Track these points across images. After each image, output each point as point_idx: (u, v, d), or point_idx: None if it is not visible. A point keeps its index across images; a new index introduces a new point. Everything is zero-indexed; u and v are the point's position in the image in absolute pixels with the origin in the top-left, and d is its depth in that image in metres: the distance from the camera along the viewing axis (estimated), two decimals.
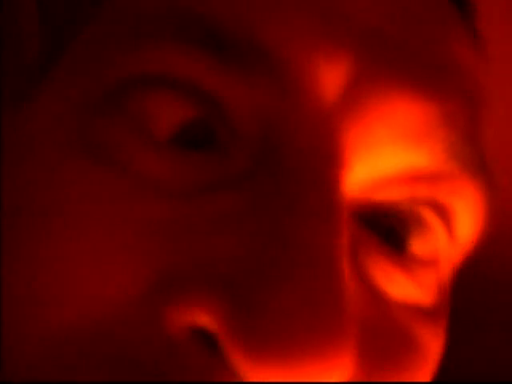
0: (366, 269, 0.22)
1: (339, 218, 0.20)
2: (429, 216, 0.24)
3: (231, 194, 0.20)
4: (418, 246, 0.24)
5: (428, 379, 0.24)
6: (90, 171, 0.20)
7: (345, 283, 0.19)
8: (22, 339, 0.19)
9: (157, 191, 0.20)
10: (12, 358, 0.19)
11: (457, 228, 0.24)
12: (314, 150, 0.21)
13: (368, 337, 0.21)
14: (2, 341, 0.19)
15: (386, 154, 0.22)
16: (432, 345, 0.24)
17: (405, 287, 0.23)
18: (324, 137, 0.21)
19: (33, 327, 0.19)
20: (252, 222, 0.20)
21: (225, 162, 0.21)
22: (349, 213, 0.22)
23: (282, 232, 0.19)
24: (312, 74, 0.21)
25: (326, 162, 0.20)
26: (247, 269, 0.19)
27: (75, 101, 0.21)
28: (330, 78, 0.21)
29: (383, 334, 0.22)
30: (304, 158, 0.20)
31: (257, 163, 0.21)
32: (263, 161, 0.21)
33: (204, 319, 0.18)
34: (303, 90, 0.21)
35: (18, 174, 0.21)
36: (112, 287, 0.19)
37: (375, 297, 0.22)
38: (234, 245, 0.19)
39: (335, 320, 0.18)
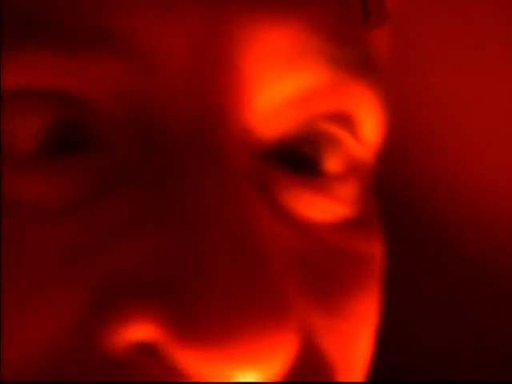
0: (285, 204, 0.22)
1: (237, 177, 0.19)
2: (333, 129, 0.23)
3: (122, 191, 0.19)
4: (331, 162, 0.23)
5: (379, 292, 0.24)
6: None
7: (266, 248, 0.18)
8: None
9: (45, 211, 0.18)
10: None
11: (362, 132, 0.24)
12: (189, 114, 0.19)
13: (309, 273, 0.21)
14: None
15: (270, 86, 0.21)
16: (372, 253, 0.24)
17: (329, 208, 0.23)
18: (195, 97, 0.19)
19: None
20: (152, 217, 0.18)
21: (104, 158, 0.19)
22: (253, 155, 0.21)
23: (186, 218, 0.18)
24: (160, 40, 0.19)
25: (204, 123, 0.19)
26: (166, 269, 0.18)
27: None
28: (181, 38, 0.19)
29: (323, 263, 0.21)
30: (182, 127, 0.19)
31: (138, 149, 0.19)
32: (143, 145, 0.19)
33: (142, 333, 0.17)
34: (158, 59, 0.19)
35: None
36: (41, 331, 0.18)
37: (303, 229, 0.22)
38: (142, 248, 0.18)
39: (268, 293, 0.18)
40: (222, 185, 0.19)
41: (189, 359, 0.17)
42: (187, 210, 0.18)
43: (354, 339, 0.22)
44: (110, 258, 0.18)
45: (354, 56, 0.22)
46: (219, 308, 0.17)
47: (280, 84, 0.21)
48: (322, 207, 0.22)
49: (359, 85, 0.23)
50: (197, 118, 0.19)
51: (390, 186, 0.57)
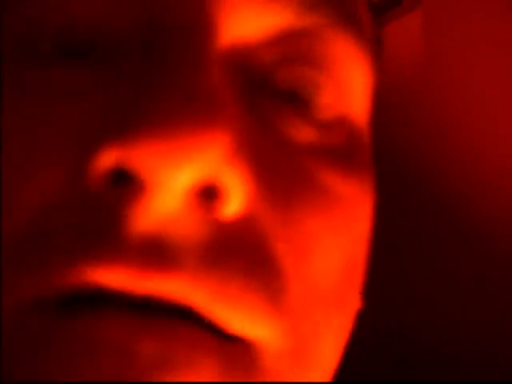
0: (268, 121, 0.24)
1: (204, 53, 0.22)
2: (311, 72, 0.26)
3: (121, 77, 0.23)
4: (318, 102, 0.26)
5: (348, 237, 0.25)
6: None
7: (212, 75, 0.22)
8: None
9: (67, 91, 0.23)
10: None
11: (344, 77, 0.27)
12: (179, 25, 0.23)
13: (267, 172, 0.23)
14: None
15: (245, 17, 0.24)
16: (344, 190, 0.25)
17: (309, 133, 0.25)
18: (185, 13, 0.23)
19: None
20: (130, 85, 0.22)
21: (114, 64, 0.24)
22: (231, 66, 0.24)
23: (151, 78, 0.22)
24: None
25: (189, 29, 0.23)
26: (124, 108, 0.21)
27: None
28: None
29: (283, 174, 0.24)
30: (172, 33, 0.23)
31: (139, 58, 0.23)
32: (144, 55, 0.23)
33: (110, 161, 0.21)
34: None
35: None
36: (40, 182, 0.22)
37: (278, 142, 0.24)
38: (115, 103, 0.22)
39: (201, 97, 0.21)
40: (193, 65, 0.22)
41: (141, 159, 0.20)
42: (156, 76, 0.22)
43: (310, 258, 0.24)
44: (90, 121, 0.22)
45: (331, 7, 0.26)
46: (150, 118, 0.20)
47: (257, 16, 0.25)
48: (302, 130, 0.25)
49: (333, 34, 0.26)
50: (184, 29, 0.23)
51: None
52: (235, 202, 0.21)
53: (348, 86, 0.27)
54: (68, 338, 0.20)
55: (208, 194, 0.21)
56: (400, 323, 0.65)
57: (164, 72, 0.22)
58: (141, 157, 0.20)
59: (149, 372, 0.20)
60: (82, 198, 0.21)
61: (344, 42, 0.26)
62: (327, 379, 0.26)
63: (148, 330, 0.20)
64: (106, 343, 0.20)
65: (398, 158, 0.59)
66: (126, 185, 0.21)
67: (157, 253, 0.20)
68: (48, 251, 0.21)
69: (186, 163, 0.20)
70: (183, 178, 0.20)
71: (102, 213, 0.21)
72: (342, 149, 0.26)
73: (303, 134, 0.25)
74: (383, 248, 0.35)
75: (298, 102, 0.25)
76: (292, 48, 0.25)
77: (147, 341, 0.20)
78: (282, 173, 0.24)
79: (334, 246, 0.25)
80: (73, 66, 0.23)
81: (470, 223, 0.61)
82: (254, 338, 0.22)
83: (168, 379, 0.20)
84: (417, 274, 0.65)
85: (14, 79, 0.24)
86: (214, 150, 0.20)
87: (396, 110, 0.55)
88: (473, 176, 0.59)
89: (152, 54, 0.23)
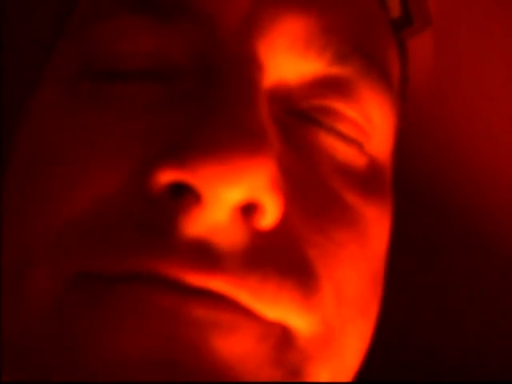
0: (298, 143, 0.28)
1: (254, 89, 0.26)
2: (342, 108, 0.30)
3: (180, 97, 0.27)
4: (342, 126, 0.30)
5: (367, 252, 0.28)
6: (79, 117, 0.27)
7: (260, 112, 0.25)
8: (44, 225, 0.26)
9: (130, 107, 0.27)
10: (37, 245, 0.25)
11: (367, 119, 0.30)
12: (233, 59, 0.27)
13: (300, 191, 0.27)
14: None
15: (286, 61, 0.28)
16: (365, 210, 0.29)
17: (334, 158, 0.29)
18: (238, 50, 0.27)
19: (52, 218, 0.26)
20: (189, 108, 0.26)
21: (171, 87, 0.28)
22: (272, 101, 0.28)
23: (209, 105, 0.25)
24: (220, 8, 0.28)
25: (241, 64, 0.27)
26: (180, 137, 0.25)
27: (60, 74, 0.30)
28: (235, 9, 0.28)
29: (314, 192, 0.27)
30: (226, 65, 0.27)
31: (195, 82, 0.27)
32: (200, 80, 0.27)
33: (169, 176, 0.24)
34: (216, 22, 0.28)
35: (33, 128, 0.29)
36: (104, 179, 0.25)
37: (309, 166, 0.28)
38: (176, 123, 0.26)
39: (251, 131, 0.24)
40: (240, 91, 0.26)
41: (201, 178, 0.23)
42: (211, 102, 0.25)
43: (339, 263, 0.27)
44: (153, 136, 0.26)
45: (360, 59, 0.29)
46: (210, 145, 0.23)
47: (293, 62, 0.28)
48: (328, 151, 0.29)
49: (361, 85, 0.29)
50: (230, 63, 0.27)
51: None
52: (270, 216, 0.25)
53: (370, 124, 0.30)
54: (117, 302, 0.23)
55: (248, 209, 0.25)
56: (408, 329, 0.67)
57: (219, 103, 0.25)
58: (201, 176, 0.23)
59: (198, 331, 0.23)
60: (141, 200, 0.24)
61: (370, 91, 0.30)
62: (348, 377, 0.28)
63: (196, 300, 0.23)
64: (156, 306, 0.23)
65: (409, 173, 0.61)
66: (183, 195, 0.24)
67: (204, 254, 0.24)
68: (107, 237, 0.24)
69: (237, 184, 0.23)
70: (233, 196, 0.23)
71: (159, 214, 0.24)
72: (363, 175, 0.30)
73: (329, 158, 0.29)
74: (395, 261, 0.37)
75: (325, 131, 0.29)
76: (325, 90, 0.29)
77: (196, 307, 0.23)
78: (313, 192, 0.27)
79: (359, 256, 0.28)
80: (133, 86, 0.27)
81: (489, 240, 0.62)
82: (288, 325, 0.25)
83: (214, 339, 0.23)
84: (429, 284, 0.66)
85: (79, 95, 0.28)
86: (260, 176, 0.23)
87: (408, 127, 0.56)
88: (485, 193, 0.61)
89: (207, 82, 0.27)
